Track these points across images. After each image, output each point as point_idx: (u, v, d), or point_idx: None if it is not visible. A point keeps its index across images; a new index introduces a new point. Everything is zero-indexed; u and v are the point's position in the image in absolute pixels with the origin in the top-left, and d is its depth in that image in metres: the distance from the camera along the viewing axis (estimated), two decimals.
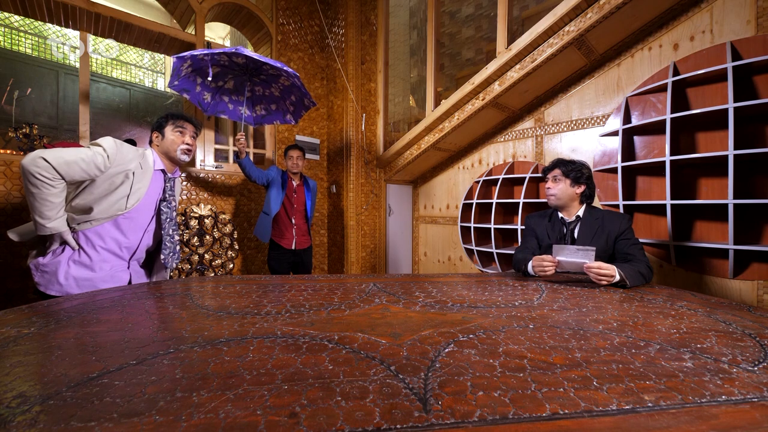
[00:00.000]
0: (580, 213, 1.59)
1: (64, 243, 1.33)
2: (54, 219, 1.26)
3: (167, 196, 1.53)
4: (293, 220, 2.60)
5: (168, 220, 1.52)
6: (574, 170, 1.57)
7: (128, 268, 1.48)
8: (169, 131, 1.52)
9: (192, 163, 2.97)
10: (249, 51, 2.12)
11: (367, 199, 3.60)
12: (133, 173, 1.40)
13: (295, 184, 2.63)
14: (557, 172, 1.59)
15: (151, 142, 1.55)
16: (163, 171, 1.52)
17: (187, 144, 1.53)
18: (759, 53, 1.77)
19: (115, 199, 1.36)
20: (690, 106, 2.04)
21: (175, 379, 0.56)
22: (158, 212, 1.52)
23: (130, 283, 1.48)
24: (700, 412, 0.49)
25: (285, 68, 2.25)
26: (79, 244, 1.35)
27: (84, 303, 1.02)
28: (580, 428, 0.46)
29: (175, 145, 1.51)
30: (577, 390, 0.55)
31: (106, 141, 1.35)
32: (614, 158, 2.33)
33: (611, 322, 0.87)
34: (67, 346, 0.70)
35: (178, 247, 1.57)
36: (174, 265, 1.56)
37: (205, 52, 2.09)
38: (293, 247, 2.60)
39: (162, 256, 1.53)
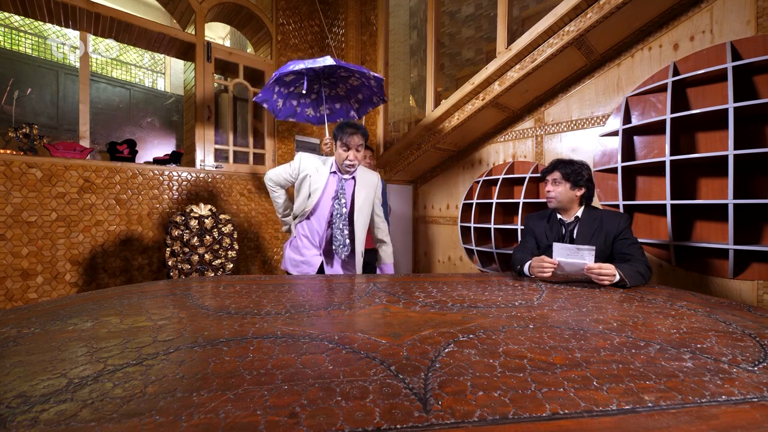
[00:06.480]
0: (579, 214, 1.58)
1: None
2: (282, 216, 1.84)
3: (338, 194, 1.69)
4: None
5: (338, 215, 1.67)
6: (574, 173, 1.54)
7: (320, 255, 1.74)
8: (339, 146, 1.65)
9: (192, 162, 2.97)
10: (337, 60, 2.09)
11: None
12: (309, 176, 1.66)
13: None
14: (557, 174, 1.56)
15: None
16: (335, 173, 1.70)
17: (350, 160, 1.63)
18: (759, 53, 1.77)
19: (303, 198, 1.68)
20: (690, 106, 2.04)
21: (175, 379, 0.56)
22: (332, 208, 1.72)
23: (322, 267, 1.74)
24: (700, 412, 0.49)
25: (371, 74, 2.25)
26: (296, 234, 1.78)
27: (84, 303, 1.02)
28: (580, 428, 0.46)
29: (341, 159, 1.65)
30: (577, 390, 0.54)
31: (296, 156, 1.72)
32: (614, 158, 2.32)
33: (611, 322, 0.87)
34: (68, 345, 0.70)
35: (348, 240, 1.69)
36: (343, 257, 1.71)
37: (297, 68, 2.07)
38: None
39: (333, 247, 1.69)
